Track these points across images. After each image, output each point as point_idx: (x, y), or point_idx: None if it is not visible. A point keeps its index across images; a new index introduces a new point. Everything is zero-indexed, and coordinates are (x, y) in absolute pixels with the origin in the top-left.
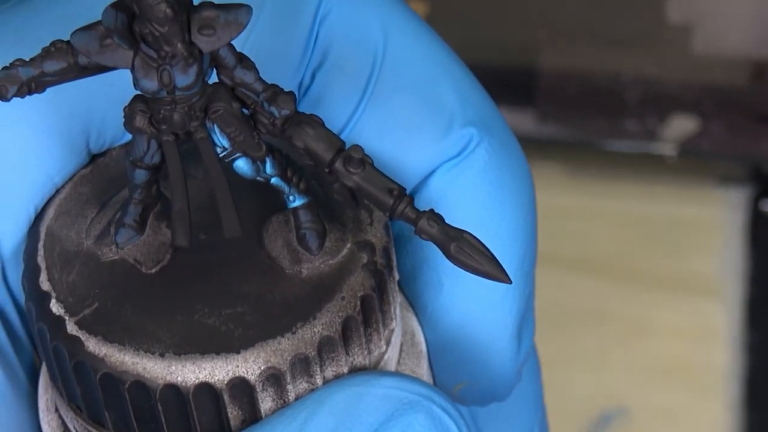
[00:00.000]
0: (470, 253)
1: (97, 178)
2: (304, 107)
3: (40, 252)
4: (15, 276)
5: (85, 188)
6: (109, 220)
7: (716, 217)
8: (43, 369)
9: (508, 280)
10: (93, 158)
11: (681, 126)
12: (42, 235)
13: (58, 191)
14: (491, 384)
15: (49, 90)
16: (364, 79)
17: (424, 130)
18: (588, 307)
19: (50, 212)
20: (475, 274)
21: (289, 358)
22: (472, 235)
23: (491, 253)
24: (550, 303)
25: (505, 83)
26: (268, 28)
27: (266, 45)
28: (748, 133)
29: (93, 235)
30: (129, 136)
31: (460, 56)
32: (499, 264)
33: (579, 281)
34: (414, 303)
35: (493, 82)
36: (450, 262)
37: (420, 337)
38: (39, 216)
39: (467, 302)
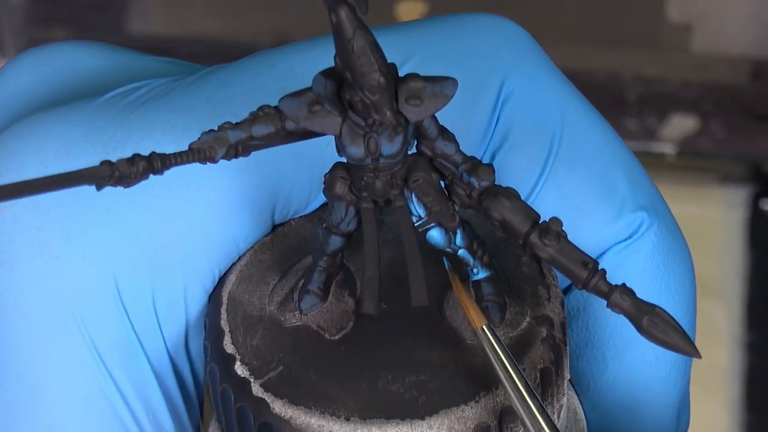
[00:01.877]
0: (662, 327)
1: (277, 246)
2: None
3: (223, 316)
4: (195, 341)
5: (266, 256)
6: (292, 287)
7: (716, 216)
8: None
9: (698, 354)
10: (273, 228)
11: (681, 125)
12: (224, 300)
13: (240, 257)
14: None
15: (241, 161)
16: (541, 162)
17: (597, 212)
18: None
19: (232, 278)
20: (666, 348)
21: (472, 426)
22: (663, 309)
23: (682, 328)
24: None
25: None
26: (452, 107)
27: (449, 123)
28: (748, 132)
29: (276, 301)
30: (311, 208)
31: None
32: (689, 338)
33: None
34: (576, 382)
35: None
36: (614, 341)
37: (581, 415)
38: (221, 281)
39: (630, 384)
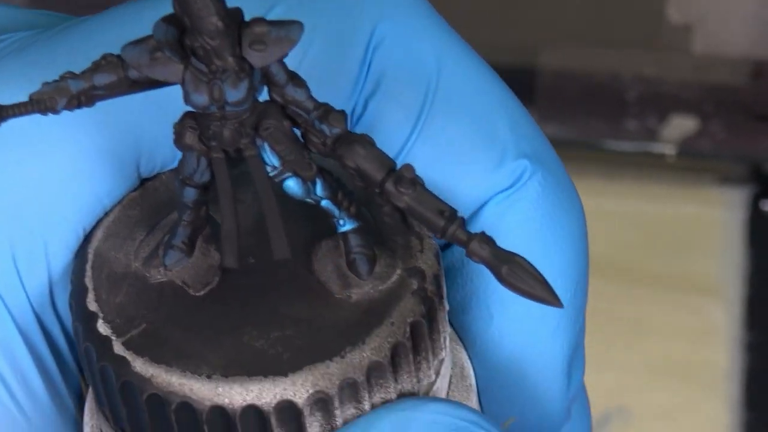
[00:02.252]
0: (522, 277)
1: (146, 201)
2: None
3: (88, 273)
4: (63, 298)
5: (134, 211)
6: (158, 242)
7: (716, 217)
8: (89, 395)
9: (560, 304)
10: (142, 182)
11: (681, 126)
12: (90, 257)
13: (107, 214)
14: (540, 420)
15: (99, 112)
16: (417, 109)
17: (476, 161)
18: (587, 305)
19: (99, 234)
20: (527, 298)
21: (337, 383)
22: (524, 258)
23: (543, 277)
24: None
25: (505, 83)
26: (319, 54)
27: (318, 71)
28: (748, 132)
29: (141, 257)
30: (178, 160)
31: None
32: (551, 288)
33: None
34: (463, 336)
35: None
36: (499, 294)
37: (469, 371)
38: (87, 238)
39: (517, 336)
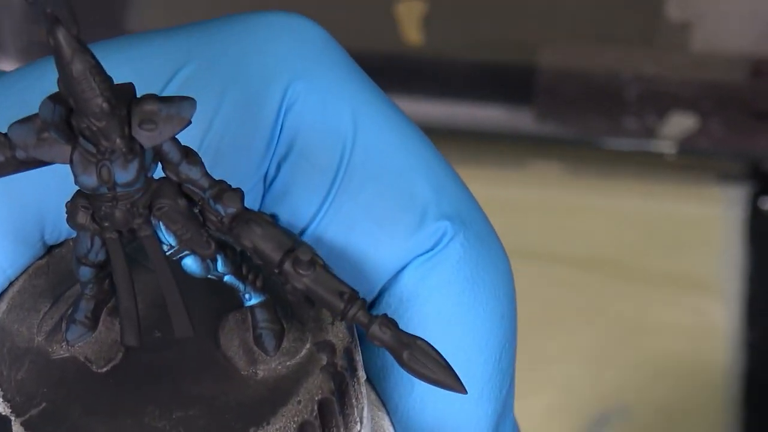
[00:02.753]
0: (424, 362)
1: (53, 270)
2: (269, 200)
3: None
4: None
5: (40, 281)
6: (62, 315)
7: (715, 215)
8: None
9: (464, 391)
10: (49, 249)
11: (680, 124)
12: None
13: (12, 284)
14: None
15: (0, 183)
16: (332, 171)
17: (395, 223)
18: (586, 305)
19: (2, 306)
20: (429, 383)
21: None
22: (426, 342)
23: (445, 361)
24: (548, 301)
25: (504, 81)
26: (230, 119)
27: (229, 136)
28: (747, 130)
29: (44, 331)
30: (73, 240)
31: (460, 55)
32: (455, 373)
33: (578, 279)
34: (386, 402)
35: (491, 81)
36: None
37: None
38: None
39: (438, 404)
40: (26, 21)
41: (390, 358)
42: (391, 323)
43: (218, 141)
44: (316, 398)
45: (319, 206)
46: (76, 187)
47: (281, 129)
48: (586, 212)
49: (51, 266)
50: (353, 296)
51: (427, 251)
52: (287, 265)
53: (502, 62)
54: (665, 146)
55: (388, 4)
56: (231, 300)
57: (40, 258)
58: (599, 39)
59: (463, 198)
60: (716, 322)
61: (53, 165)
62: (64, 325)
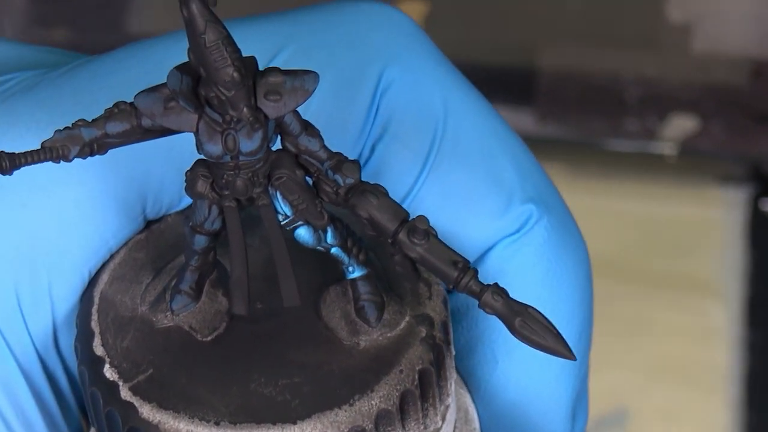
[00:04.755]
0: (535, 328)
1: (153, 244)
2: (363, 179)
3: (94, 317)
4: (67, 341)
5: (140, 254)
6: (165, 286)
7: (716, 217)
8: None
9: (572, 357)
10: (148, 224)
11: (681, 125)
12: (96, 300)
13: (112, 256)
14: None
15: (108, 155)
16: (424, 153)
17: (483, 205)
18: None
19: (104, 277)
20: (539, 350)
21: (346, 430)
22: (536, 310)
23: (556, 329)
24: None
25: (505, 83)
26: (328, 99)
27: (325, 115)
28: (748, 132)
29: (148, 302)
30: (185, 203)
31: (460, 56)
32: (564, 340)
33: None
34: (467, 380)
35: (492, 82)
36: (504, 338)
37: (473, 415)
38: (93, 281)
39: (522, 380)
40: (26, 21)
41: (474, 336)
42: (502, 292)
43: (315, 121)
44: (417, 368)
45: (410, 187)
46: (182, 160)
47: (377, 111)
48: (587, 213)
49: (150, 240)
50: (466, 265)
51: (514, 233)
52: (402, 235)
53: (502, 64)
54: (666, 148)
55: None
56: (328, 275)
57: (140, 232)
58: (600, 40)
59: (546, 184)
60: (717, 323)
61: (158, 140)
62: (168, 296)
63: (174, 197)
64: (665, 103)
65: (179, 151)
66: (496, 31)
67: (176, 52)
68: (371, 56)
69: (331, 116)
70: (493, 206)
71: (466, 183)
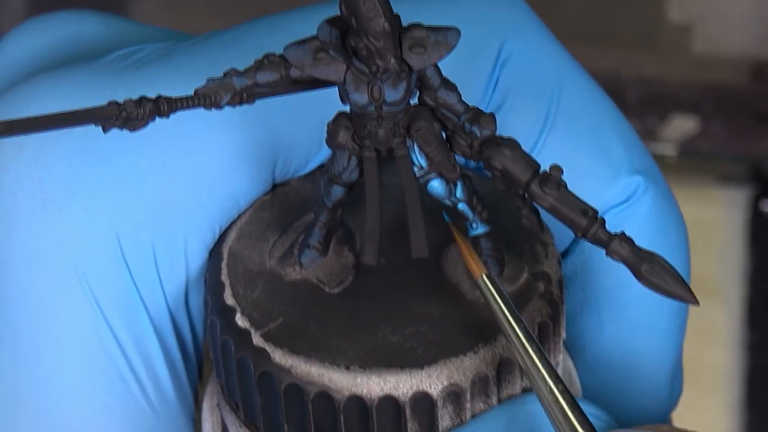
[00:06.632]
0: (662, 275)
1: (277, 205)
2: None
3: (224, 270)
4: (196, 299)
5: (266, 214)
6: (292, 242)
7: (716, 217)
8: (209, 392)
9: (696, 302)
10: (273, 187)
11: (681, 126)
12: (225, 255)
13: (240, 215)
14: (643, 423)
15: (240, 115)
16: (539, 124)
17: (594, 175)
18: None
19: (232, 234)
20: (665, 295)
21: (470, 377)
22: (663, 258)
23: (681, 276)
24: None
25: None
26: (451, 66)
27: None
28: (748, 132)
29: (276, 257)
30: (311, 167)
31: None
32: (688, 286)
33: None
34: (572, 344)
35: None
36: (611, 302)
37: (576, 377)
38: (221, 238)
39: (627, 343)
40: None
41: (580, 302)
42: (629, 240)
43: None
44: (537, 321)
45: None
46: (311, 125)
47: (496, 82)
48: None
49: (275, 202)
50: (595, 215)
51: (623, 202)
52: (534, 185)
53: None
54: (666, 148)
55: None
56: (447, 234)
57: (265, 194)
58: (600, 41)
59: (650, 158)
60: (717, 323)
61: (289, 104)
62: (296, 251)
63: (301, 161)
64: (665, 104)
65: (308, 114)
66: None
67: (303, 22)
68: (492, 30)
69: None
70: (603, 176)
71: (579, 152)
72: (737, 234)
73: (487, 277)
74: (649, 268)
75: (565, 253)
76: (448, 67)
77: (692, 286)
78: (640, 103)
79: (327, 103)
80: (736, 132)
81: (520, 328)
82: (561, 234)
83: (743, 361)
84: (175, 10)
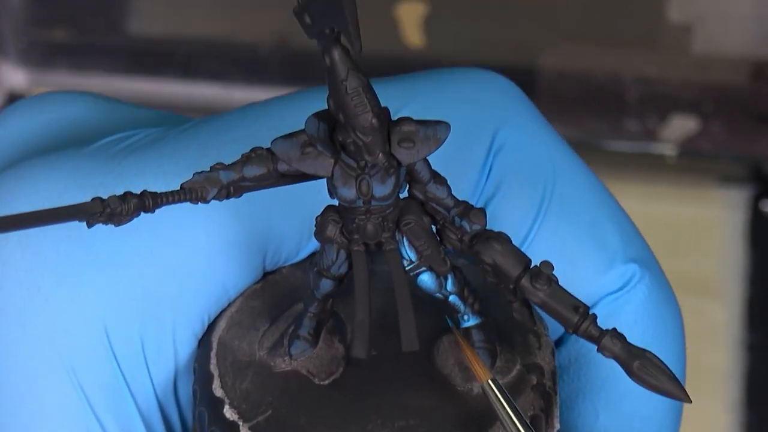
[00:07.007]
0: (653, 372)
1: (268, 293)
2: None
3: (213, 360)
4: (185, 388)
5: (256, 302)
6: (282, 332)
7: (716, 217)
8: None
9: (689, 400)
10: (264, 275)
11: (681, 126)
12: (214, 345)
13: (230, 304)
14: None
15: (230, 205)
16: (533, 212)
17: (588, 263)
18: None
19: (222, 323)
20: (657, 393)
21: None
22: (654, 354)
23: (673, 374)
24: None
25: None
26: (444, 156)
27: (441, 171)
28: (748, 132)
29: (266, 347)
30: (302, 256)
31: (460, 57)
32: (681, 384)
33: None
34: None
35: None
36: (606, 392)
37: None
38: (211, 327)
39: None
40: (26, 21)
41: (575, 390)
42: (620, 336)
43: None
44: (529, 414)
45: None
46: (300, 214)
47: (490, 170)
48: None
49: (266, 290)
50: (586, 311)
51: (617, 290)
52: (525, 280)
53: (502, 64)
54: (666, 148)
55: (389, 6)
56: (440, 324)
57: (256, 283)
58: (600, 41)
59: (645, 246)
60: (717, 323)
61: (280, 196)
62: (286, 341)
63: (292, 250)
64: (665, 104)
65: (299, 205)
66: (496, 32)
67: (295, 109)
68: (484, 118)
69: (447, 173)
70: (599, 263)
71: (573, 241)
72: (737, 234)
73: (493, 382)
74: (641, 365)
75: (560, 341)
76: (441, 154)
77: (692, 287)
78: (640, 103)
79: (318, 192)
80: (736, 132)
81: None
82: (556, 322)
83: (743, 361)
84: (176, 10)
